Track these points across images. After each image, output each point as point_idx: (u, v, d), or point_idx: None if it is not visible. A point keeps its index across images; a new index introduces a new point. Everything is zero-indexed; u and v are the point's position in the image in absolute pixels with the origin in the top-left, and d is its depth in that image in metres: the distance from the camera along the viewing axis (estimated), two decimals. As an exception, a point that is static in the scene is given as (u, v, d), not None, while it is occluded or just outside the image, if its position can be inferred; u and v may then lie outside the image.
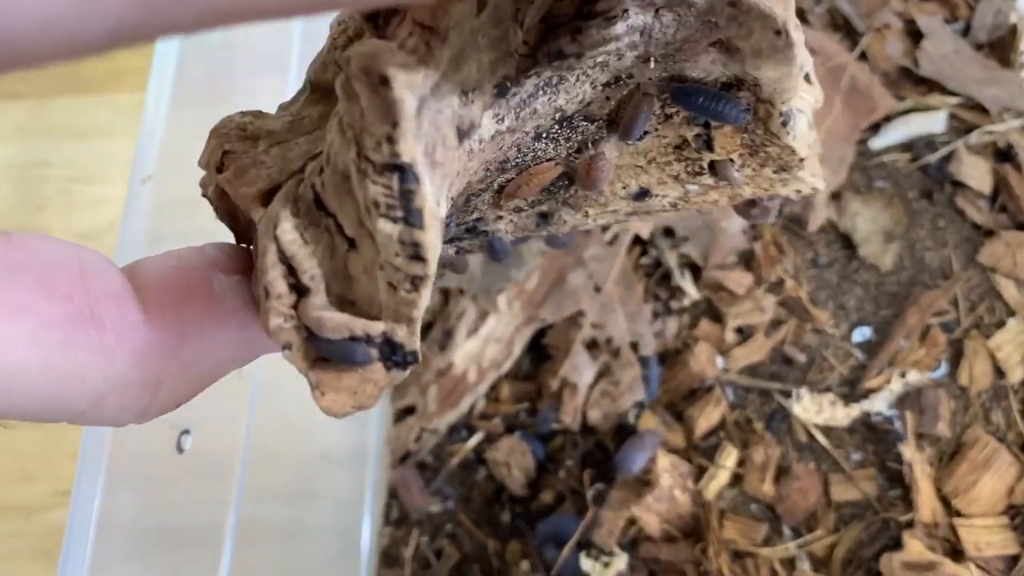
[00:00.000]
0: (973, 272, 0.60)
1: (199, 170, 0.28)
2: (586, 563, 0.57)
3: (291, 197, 0.24)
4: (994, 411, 0.56)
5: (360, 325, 0.23)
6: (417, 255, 0.22)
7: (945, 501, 0.54)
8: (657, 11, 0.23)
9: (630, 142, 0.26)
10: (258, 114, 0.27)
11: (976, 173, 0.62)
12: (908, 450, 0.55)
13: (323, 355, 0.24)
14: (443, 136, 0.22)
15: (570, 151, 0.26)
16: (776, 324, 0.61)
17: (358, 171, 0.21)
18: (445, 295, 0.68)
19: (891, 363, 0.58)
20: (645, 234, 0.62)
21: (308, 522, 0.64)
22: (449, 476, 0.66)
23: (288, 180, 0.25)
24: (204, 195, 0.27)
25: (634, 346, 0.61)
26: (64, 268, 0.22)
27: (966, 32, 0.66)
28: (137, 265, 0.24)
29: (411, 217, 0.21)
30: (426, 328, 0.68)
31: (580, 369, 0.62)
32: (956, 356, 0.58)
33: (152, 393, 0.23)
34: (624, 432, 0.61)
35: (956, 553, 0.53)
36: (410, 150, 0.20)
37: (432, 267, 0.22)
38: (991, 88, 0.64)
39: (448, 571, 0.63)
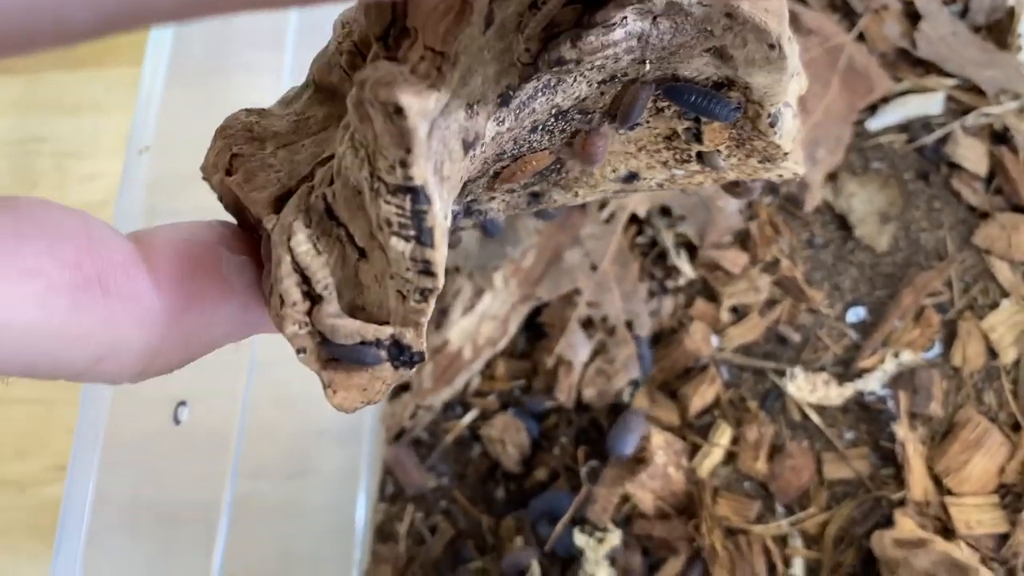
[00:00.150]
0: (968, 253, 0.60)
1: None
2: (580, 539, 0.57)
3: (303, 207, 0.25)
4: (986, 391, 0.56)
5: (371, 331, 0.24)
6: (427, 271, 0.23)
7: (937, 480, 0.55)
8: (655, 19, 0.24)
9: (623, 130, 0.27)
10: (263, 113, 0.28)
11: (972, 155, 0.62)
12: (901, 429, 0.55)
13: (335, 357, 0.25)
14: (450, 151, 0.22)
15: (563, 140, 0.27)
16: (771, 304, 0.61)
17: (371, 189, 0.22)
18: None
19: (885, 343, 0.59)
20: (642, 213, 0.62)
21: (303, 498, 0.64)
22: (444, 453, 0.66)
23: (298, 186, 0.26)
24: (204, 178, 0.27)
25: (629, 325, 0.62)
26: (73, 235, 0.22)
27: (964, 14, 0.66)
28: (146, 233, 0.25)
29: (423, 236, 0.22)
30: (422, 306, 0.68)
31: (575, 347, 0.62)
32: (950, 337, 0.58)
33: (150, 359, 0.24)
34: (618, 410, 0.61)
35: (947, 531, 0.53)
36: (422, 174, 0.21)
37: (440, 280, 0.23)
38: (988, 70, 0.64)
39: (443, 547, 0.64)
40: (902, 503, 0.55)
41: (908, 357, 0.58)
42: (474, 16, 0.21)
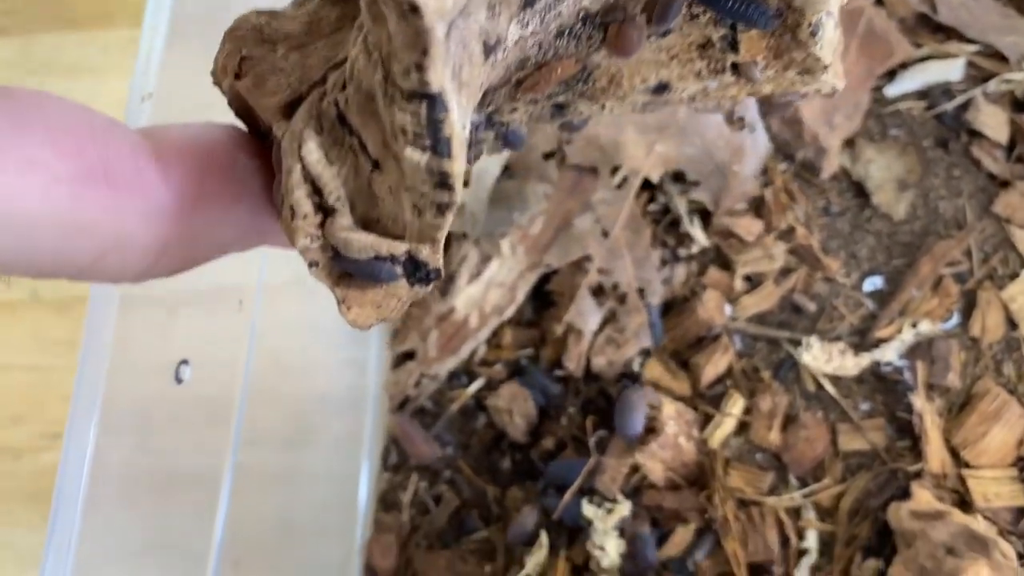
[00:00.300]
0: (987, 222, 0.59)
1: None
2: (588, 509, 0.56)
3: (314, 114, 0.23)
4: (1005, 363, 0.55)
5: (385, 246, 0.23)
6: (444, 183, 0.22)
7: (954, 452, 0.54)
8: None
9: (660, 31, 0.26)
10: (273, 14, 0.26)
11: (993, 122, 0.60)
12: (918, 400, 0.54)
13: (348, 272, 0.24)
14: (470, 54, 0.21)
15: (591, 47, 0.26)
16: (786, 272, 0.60)
17: (385, 96, 0.21)
18: (447, 239, 0.66)
19: (902, 313, 0.57)
20: (655, 178, 0.61)
21: (304, 467, 0.63)
22: (448, 422, 0.65)
23: (310, 92, 0.24)
24: (215, 83, 0.26)
25: (641, 292, 0.60)
26: (74, 125, 0.21)
27: (985, -21, 0.65)
28: (157, 129, 0.24)
29: (439, 146, 0.21)
30: (427, 272, 0.67)
31: (585, 315, 0.61)
32: (968, 307, 0.57)
33: (155, 257, 0.23)
34: (629, 380, 0.60)
35: (964, 504, 0.52)
36: (439, 79, 0.20)
37: (458, 194, 0.22)
38: (1010, 36, 0.62)
39: (447, 517, 0.62)
40: (918, 475, 0.53)
41: (926, 327, 0.56)
42: None
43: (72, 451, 0.42)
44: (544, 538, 0.57)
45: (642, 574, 0.55)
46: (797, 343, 0.58)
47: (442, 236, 0.23)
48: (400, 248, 0.23)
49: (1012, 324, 0.56)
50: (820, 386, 0.57)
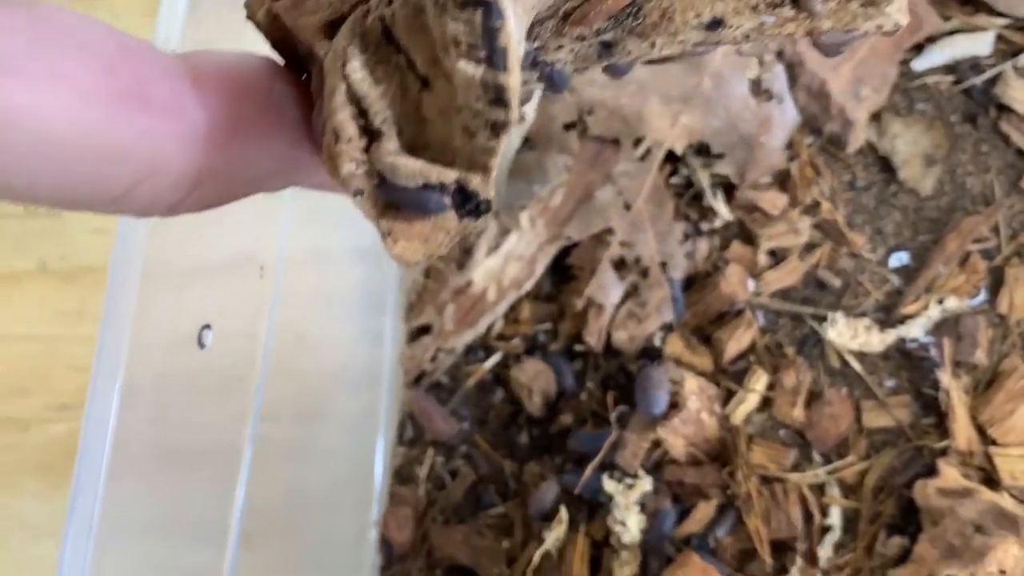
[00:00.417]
0: (1016, 198, 0.58)
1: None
2: (609, 484, 0.56)
3: (358, 31, 0.22)
4: (1033, 340, 0.55)
5: (435, 172, 0.22)
6: (499, 99, 0.20)
7: (980, 430, 0.53)
8: None
9: None
10: None
11: (1022, 97, 0.59)
12: (945, 377, 0.54)
13: (394, 203, 0.23)
14: None
15: None
16: (810, 247, 0.59)
17: (435, 5, 0.20)
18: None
19: (928, 289, 0.57)
20: (679, 150, 0.60)
21: (319, 441, 0.62)
22: (465, 397, 0.64)
23: (353, 9, 0.23)
24: (249, 17, 0.25)
25: (663, 266, 0.59)
26: (102, 41, 0.19)
27: (1014, -48, 0.64)
28: (191, 53, 0.22)
29: (495, 58, 0.20)
30: (444, 245, 0.66)
31: (607, 289, 0.60)
32: (996, 284, 0.56)
33: (189, 187, 0.22)
34: (649, 356, 0.59)
35: (990, 482, 0.52)
36: None
37: (514, 112, 0.21)
38: (1040, 10, 0.61)
39: (463, 492, 0.62)
40: (944, 453, 0.53)
41: (953, 304, 0.56)
42: None
43: (92, 422, 0.41)
44: (564, 513, 0.57)
45: (663, 550, 0.55)
46: (822, 319, 0.57)
47: (494, 163, 0.22)
48: (450, 176, 0.22)
49: (1040, 301, 0.55)
50: (845, 362, 0.56)
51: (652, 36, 0.25)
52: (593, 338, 0.60)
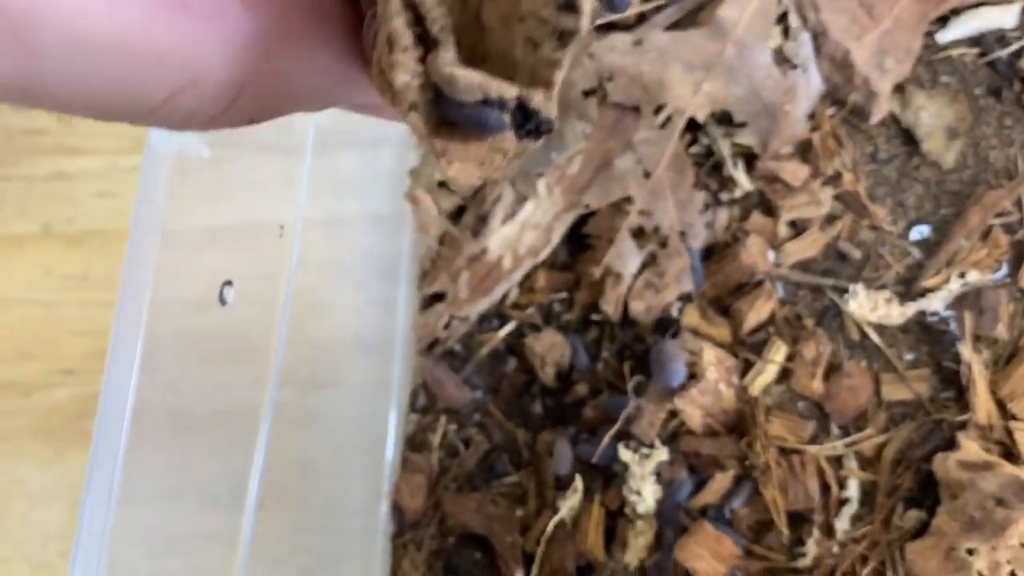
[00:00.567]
0: (1039, 173, 0.57)
1: None
2: (625, 454, 0.55)
3: None
4: (1054, 315, 0.54)
5: (495, 86, 0.20)
6: (569, 3, 0.19)
7: (1000, 404, 0.53)
8: None
9: None
10: None
11: (1047, 71, 0.59)
12: (965, 350, 0.53)
13: (450, 120, 0.21)
14: None
15: None
16: (831, 219, 0.58)
17: None
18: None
19: (949, 263, 0.56)
20: (701, 118, 0.59)
21: (332, 407, 0.62)
22: (478, 366, 0.64)
23: None
24: None
25: (682, 235, 0.59)
26: None
27: (1040, -76, 0.63)
28: None
29: None
30: (459, 212, 0.65)
31: (625, 257, 0.59)
32: (1018, 258, 0.56)
33: (231, 98, 0.21)
34: (663, 328, 0.59)
35: (1010, 456, 0.52)
36: None
37: (585, 20, 0.19)
38: (1066, -17, 0.61)
39: (476, 460, 0.61)
40: (963, 426, 0.53)
41: (974, 277, 0.55)
42: None
43: (111, 387, 0.40)
44: (579, 482, 0.56)
45: (678, 520, 0.55)
46: (842, 291, 0.57)
47: (559, 78, 0.20)
48: (510, 92, 0.20)
49: (1062, 276, 0.55)
50: (864, 335, 0.56)
51: None
52: (610, 307, 0.59)
